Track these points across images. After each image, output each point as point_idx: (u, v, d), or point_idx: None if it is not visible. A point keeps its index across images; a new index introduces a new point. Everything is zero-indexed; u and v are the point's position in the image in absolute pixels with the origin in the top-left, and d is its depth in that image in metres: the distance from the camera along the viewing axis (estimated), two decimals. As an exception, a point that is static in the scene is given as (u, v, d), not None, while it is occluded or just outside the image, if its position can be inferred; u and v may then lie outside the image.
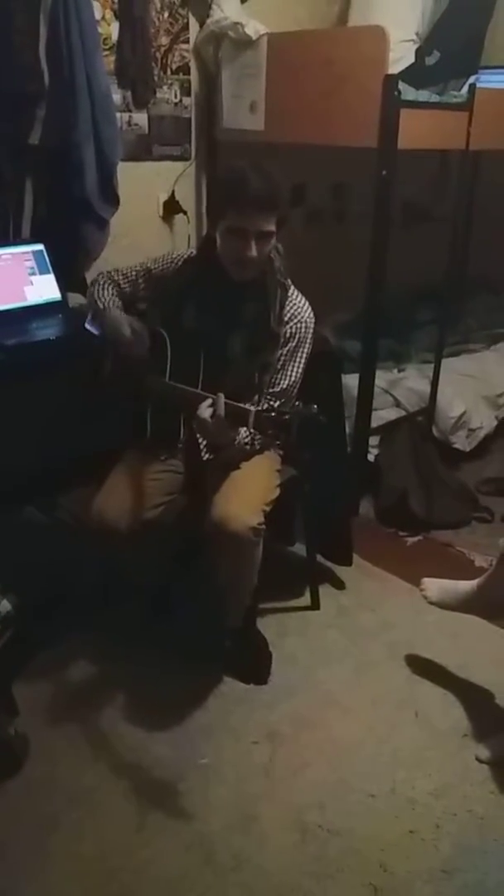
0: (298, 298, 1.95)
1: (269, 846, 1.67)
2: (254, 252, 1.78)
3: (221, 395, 1.65)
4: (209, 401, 1.67)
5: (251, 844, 1.67)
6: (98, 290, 2.00)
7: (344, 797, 1.79)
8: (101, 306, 1.97)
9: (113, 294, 2.00)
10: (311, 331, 1.96)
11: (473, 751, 1.91)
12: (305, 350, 1.95)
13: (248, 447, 1.85)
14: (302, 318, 1.93)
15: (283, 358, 1.92)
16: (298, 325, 1.92)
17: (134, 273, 2.02)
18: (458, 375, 3.31)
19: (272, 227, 1.78)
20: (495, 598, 1.99)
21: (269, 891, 1.58)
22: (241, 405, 1.64)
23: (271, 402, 1.82)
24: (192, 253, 1.98)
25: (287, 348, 1.92)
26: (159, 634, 2.27)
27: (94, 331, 1.98)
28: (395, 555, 2.73)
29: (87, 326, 2.01)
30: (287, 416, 1.55)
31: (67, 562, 2.26)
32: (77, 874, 1.61)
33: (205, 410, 1.67)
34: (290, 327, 1.91)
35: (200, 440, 1.95)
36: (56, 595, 2.23)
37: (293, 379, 1.94)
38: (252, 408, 1.61)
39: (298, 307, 1.93)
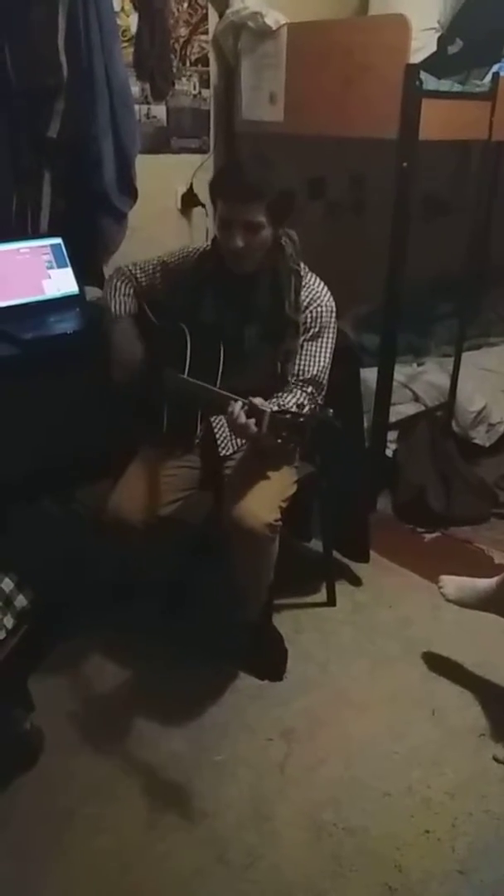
0: (316, 283, 1.92)
1: (283, 844, 1.67)
2: (239, 242, 1.76)
3: (240, 402, 1.63)
4: (239, 403, 1.64)
5: (265, 842, 1.67)
6: (113, 289, 1.99)
7: (359, 795, 1.78)
8: (113, 312, 1.97)
9: (127, 294, 1.98)
10: (335, 314, 1.92)
11: (491, 750, 1.90)
12: (330, 334, 1.92)
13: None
14: (322, 301, 1.90)
15: (307, 344, 1.89)
16: (319, 308, 1.89)
17: (151, 267, 2.01)
18: (478, 369, 3.27)
19: (260, 218, 1.74)
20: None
21: (282, 889, 1.58)
22: (258, 405, 1.62)
23: (305, 389, 1.83)
24: (207, 246, 1.96)
25: (310, 334, 1.89)
26: (175, 630, 2.27)
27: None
28: (412, 551, 2.71)
29: None
30: (302, 419, 1.53)
31: (83, 557, 2.27)
32: (91, 868, 1.62)
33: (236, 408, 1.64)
34: (311, 312, 1.88)
35: (217, 436, 1.94)
36: (72, 590, 2.23)
37: (322, 364, 1.91)
38: (267, 409, 1.59)
39: (317, 292, 1.90)
